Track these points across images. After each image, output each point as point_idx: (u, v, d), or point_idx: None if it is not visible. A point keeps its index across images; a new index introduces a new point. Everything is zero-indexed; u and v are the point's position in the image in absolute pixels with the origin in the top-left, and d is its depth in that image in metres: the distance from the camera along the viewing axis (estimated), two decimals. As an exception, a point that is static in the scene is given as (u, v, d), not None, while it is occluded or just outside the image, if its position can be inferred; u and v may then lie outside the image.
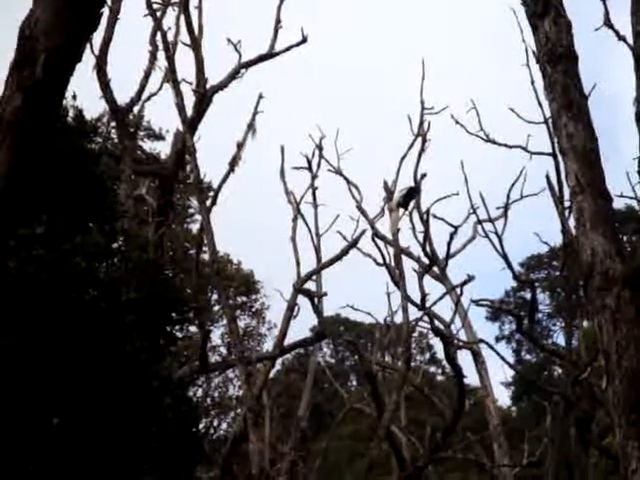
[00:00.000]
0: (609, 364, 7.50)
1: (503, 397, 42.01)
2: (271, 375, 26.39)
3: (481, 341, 24.07)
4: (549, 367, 36.84)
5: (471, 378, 25.47)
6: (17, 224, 5.83)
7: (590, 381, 19.45)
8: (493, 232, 20.72)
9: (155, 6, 21.82)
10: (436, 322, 23.21)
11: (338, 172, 26.74)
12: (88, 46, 14.80)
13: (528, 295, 24.42)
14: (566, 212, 17.71)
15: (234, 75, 22.01)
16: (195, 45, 21.14)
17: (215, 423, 35.11)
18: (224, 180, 22.23)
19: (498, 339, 45.51)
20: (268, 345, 32.33)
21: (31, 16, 5.73)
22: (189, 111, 20.56)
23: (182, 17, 21.44)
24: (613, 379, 7.42)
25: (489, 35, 43.26)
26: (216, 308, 29.27)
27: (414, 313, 22.66)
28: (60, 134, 11.68)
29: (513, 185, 22.20)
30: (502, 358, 23.61)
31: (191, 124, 20.40)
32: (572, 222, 9.08)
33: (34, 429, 10.16)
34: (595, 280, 7.68)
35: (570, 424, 20.74)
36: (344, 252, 23.66)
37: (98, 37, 20.58)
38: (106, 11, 19.88)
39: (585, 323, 23.07)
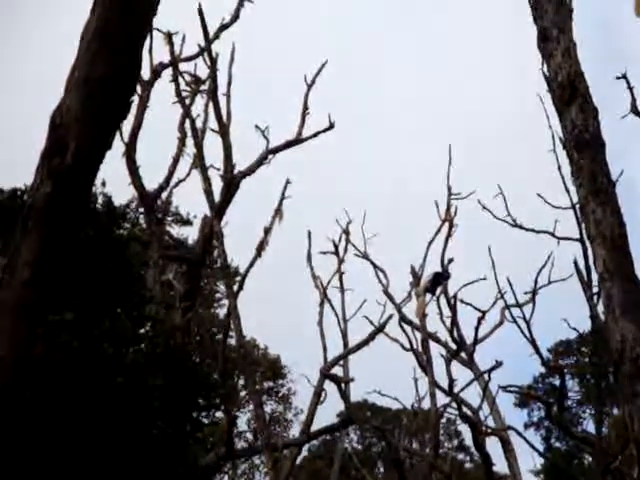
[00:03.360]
0: (641, 453, 7.38)
1: (533, 485, 41.24)
2: (298, 461, 26.15)
3: (510, 428, 23.79)
4: (579, 455, 36.25)
5: (500, 466, 25.10)
6: (46, 311, 5.82)
7: (621, 470, 19.17)
8: (521, 317, 20.72)
9: (184, 94, 22.12)
10: (464, 408, 23.00)
11: (365, 257, 26.83)
12: (118, 133, 15.00)
13: (557, 381, 24.13)
14: (594, 298, 17.64)
15: (261, 161, 22.25)
16: (223, 131, 21.37)
17: (241, 510, 34.80)
18: (251, 265, 22.26)
19: (527, 426, 44.80)
20: (295, 431, 32.15)
21: (62, 105, 5.80)
22: (217, 196, 20.72)
23: (210, 104, 21.71)
24: (645, 468, 7.31)
25: (515, 121, 43.54)
26: (243, 393, 29.15)
27: (442, 399, 22.52)
28: (89, 220, 11.78)
29: (541, 270, 22.28)
30: (531, 445, 23.38)
31: (219, 209, 20.52)
32: (601, 308, 9.02)
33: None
34: (625, 367, 7.58)
35: (601, 513, 20.39)
36: (371, 337, 23.51)
37: (128, 124, 20.90)
38: (136, 99, 20.16)
39: (615, 410, 22.84)
